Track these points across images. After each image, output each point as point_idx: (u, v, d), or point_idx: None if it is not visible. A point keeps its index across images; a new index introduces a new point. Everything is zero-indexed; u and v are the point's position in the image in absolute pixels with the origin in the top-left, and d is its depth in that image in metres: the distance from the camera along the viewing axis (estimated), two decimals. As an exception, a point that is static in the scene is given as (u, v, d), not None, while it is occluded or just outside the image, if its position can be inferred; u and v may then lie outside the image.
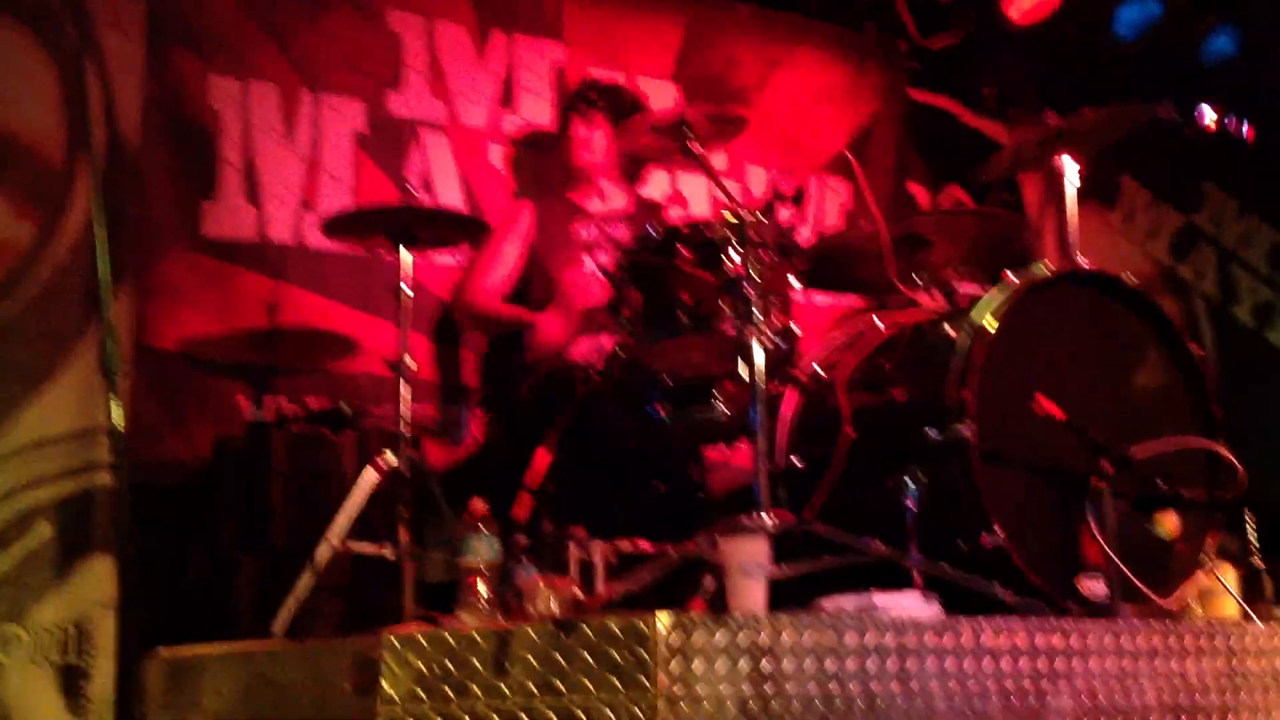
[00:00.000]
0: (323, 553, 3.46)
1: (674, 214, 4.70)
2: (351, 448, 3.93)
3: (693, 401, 3.65)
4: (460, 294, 4.47)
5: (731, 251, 3.26)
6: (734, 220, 3.27)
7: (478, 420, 4.53)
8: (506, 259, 4.40)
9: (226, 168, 4.32)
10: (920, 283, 3.82)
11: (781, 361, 3.48)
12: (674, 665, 2.39)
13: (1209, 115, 4.51)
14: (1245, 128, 5.69)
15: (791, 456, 3.57)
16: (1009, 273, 3.53)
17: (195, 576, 3.82)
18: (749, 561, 2.73)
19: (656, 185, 4.96)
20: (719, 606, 2.78)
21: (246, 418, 4.21)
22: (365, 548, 3.54)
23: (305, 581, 3.45)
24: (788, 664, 2.50)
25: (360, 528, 3.56)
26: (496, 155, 4.84)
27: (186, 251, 4.22)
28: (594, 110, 4.45)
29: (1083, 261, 3.58)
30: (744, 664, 2.46)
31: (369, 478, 3.54)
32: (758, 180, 5.29)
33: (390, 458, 3.57)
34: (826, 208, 5.43)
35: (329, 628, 3.56)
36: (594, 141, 4.42)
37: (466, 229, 4.15)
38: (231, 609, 3.68)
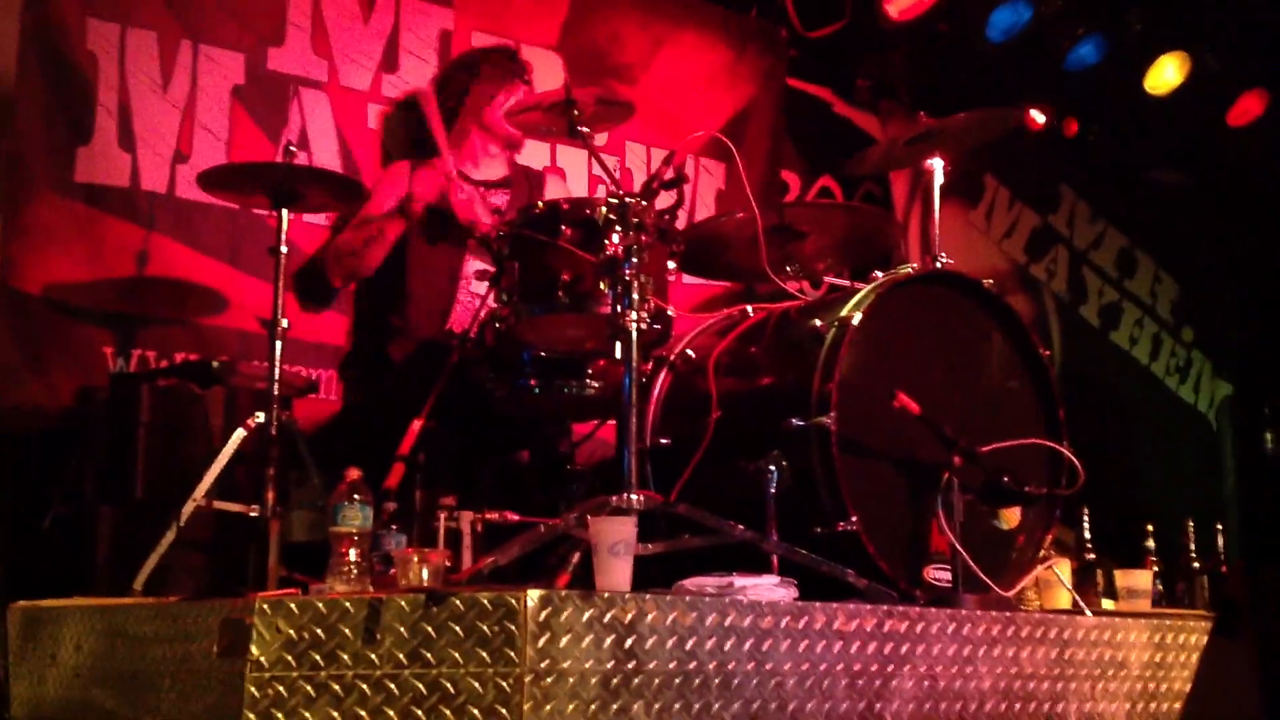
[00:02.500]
0: (187, 509, 3.46)
1: (554, 187, 4.75)
2: (219, 403, 3.90)
3: (565, 376, 3.73)
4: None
5: (612, 233, 3.32)
6: (616, 203, 3.33)
7: (344, 382, 4.52)
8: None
9: (102, 113, 4.23)
10: (790, 272, 3.93)
11: (655, 343, 3.57)
12: (541, 641, 2.47)
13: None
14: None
15: (659, 437, 3.65)
16: (876, 270, 3.66)
17: (55, 527, 3.76)
18: (616, 540, 2.80)
19: (536, 155, 4.99)
20: (585, 583, 2.86)
21: (111, 368, 4.16)
22: (230, 506, 3.54)
23: (168, 537, 3.45)
24: (650, 642, 2.60)
25: (225, 486, 3.56)
26: (376, 117, 4.81)
27: (57, 195, 4.13)
28: (524, 84, 4.46)
29: (945, 261, 3.72)
30: (608, 641, 2.55)
31: (238, 436, 3.55)
32: (636, 156, 5.34)
33: (259, 417, 3.58)
34: (701, 190, 5.51)
35: (190, 584, 3.55)
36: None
37: (346, 191, 4.13)
38: (91, 561, 3.64)
